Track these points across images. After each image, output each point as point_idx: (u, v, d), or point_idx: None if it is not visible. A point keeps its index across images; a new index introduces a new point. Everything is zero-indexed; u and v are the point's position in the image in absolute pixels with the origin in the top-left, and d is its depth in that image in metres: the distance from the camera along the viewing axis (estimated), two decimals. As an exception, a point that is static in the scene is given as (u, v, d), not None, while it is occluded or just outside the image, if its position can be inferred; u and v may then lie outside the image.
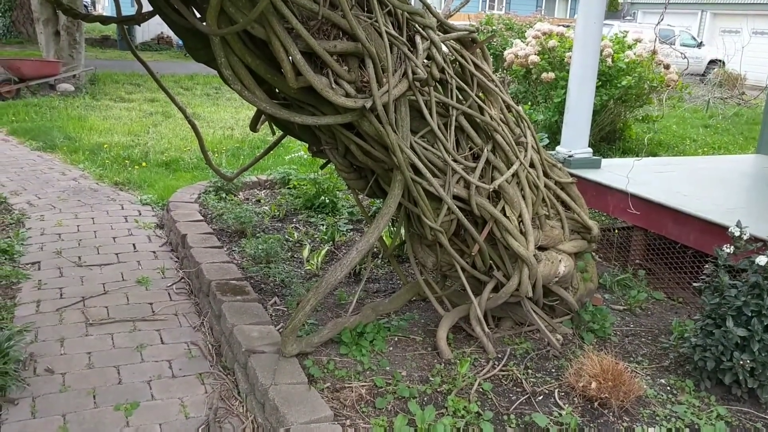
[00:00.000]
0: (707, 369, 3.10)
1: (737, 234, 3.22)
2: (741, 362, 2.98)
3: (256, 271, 4.30)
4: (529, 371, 3.23)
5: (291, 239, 4.92)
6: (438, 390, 3.02)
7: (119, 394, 3.15)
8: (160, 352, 3.55)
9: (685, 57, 5.37)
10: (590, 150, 5.44)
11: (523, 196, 3.39)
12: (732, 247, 3.21)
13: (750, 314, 3.00)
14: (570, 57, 6.60)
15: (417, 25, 3.23)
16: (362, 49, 2.96)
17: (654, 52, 8.20)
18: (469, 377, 3.10)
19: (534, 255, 3.31)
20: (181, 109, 3.58)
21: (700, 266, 4.17)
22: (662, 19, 4.37)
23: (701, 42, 24.17)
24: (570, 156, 5.30)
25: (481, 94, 3.51)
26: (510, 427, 2.79)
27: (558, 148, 5.49)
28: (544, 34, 8.46)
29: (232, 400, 3.15)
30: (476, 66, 3.51)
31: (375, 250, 4.58)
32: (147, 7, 3.21)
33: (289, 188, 6.12)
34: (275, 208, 5.57)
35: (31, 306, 3.95)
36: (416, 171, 3.18)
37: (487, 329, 3.39)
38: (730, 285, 3.10)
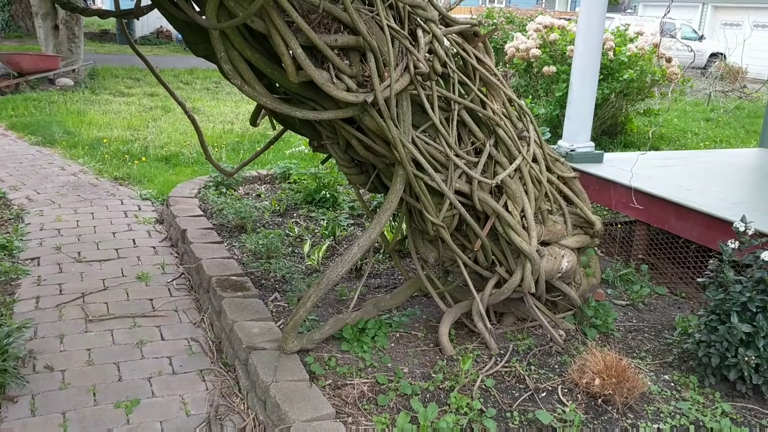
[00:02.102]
0: (711, 365, 3.08)
1: (742, 229, 3.19)
2: (746, 358, 2.96)
3: (257, 267, 4.27)
4: (532, 367, 3.21)
5: (291, 234, 4.90)
6: (440, 387, 2.99)
7: (119, 391, 3.13)
8: (160, 348, 3.53)
9: (692, 50, 5.33)
10: (592, 144, 5.40)
11: (526, 191, 3.36)
12: (737, 242, 3.18)
13: (755, 310, 2.97)
14: (572, 50, 6.57)
15: (418, 19, 3.19)
16: (363, 43, 2.93)
17: (656, 45, 8.15)
18: (471, 374, 3.08)
19: (537, 250, 3.28)
20: (180, 104, 3.55)
21: (704, 261, 4.14)
22: (669, 11, 4.32)
23: (702, 35, 24.08)
24: (572, 150, 5.26)
25: (483, 88, 3.48)
26: (513, 424, 2.77)
27: (560, 142, 5.46)
28: (546, 27, 8.42)
29: (233, 397, 3.13)
30: (478, 60, 3.48)
31: (376, 245, 4.55)
32: (146, 1, 3.18)
33: (289, 183, 6.09)
34: (275, 202, 5.54)
35: (31, 302, 3.93)
36: (418, 166, 3.16)
37: (489, 325, 3.37)
38: (735, 280, 3.08)
